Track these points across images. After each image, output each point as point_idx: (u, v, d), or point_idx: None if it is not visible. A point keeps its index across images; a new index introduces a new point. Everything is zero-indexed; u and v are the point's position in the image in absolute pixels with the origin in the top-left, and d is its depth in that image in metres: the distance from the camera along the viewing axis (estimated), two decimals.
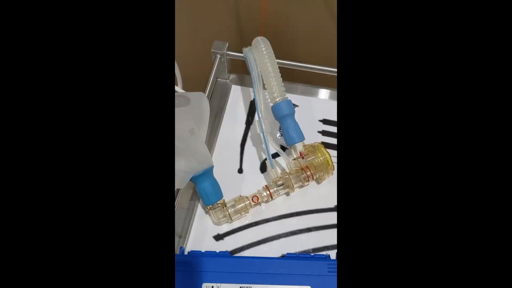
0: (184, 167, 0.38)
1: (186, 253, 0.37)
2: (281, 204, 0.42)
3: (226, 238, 0.40)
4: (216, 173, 0.41)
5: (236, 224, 0.41)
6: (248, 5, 0.62)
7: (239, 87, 0.53)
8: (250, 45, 0.47)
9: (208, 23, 0.69)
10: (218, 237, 0.40)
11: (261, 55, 0.44)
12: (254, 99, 0.45)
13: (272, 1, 0.59)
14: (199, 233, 0.41)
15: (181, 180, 0.38)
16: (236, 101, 0.51)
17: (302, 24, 0.62)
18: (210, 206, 0.40)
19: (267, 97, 0.45)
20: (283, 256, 0.38)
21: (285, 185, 0.41)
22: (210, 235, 0.40)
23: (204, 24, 0.70)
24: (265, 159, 0.46)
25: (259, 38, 0.45)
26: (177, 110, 0.40)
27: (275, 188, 0.41)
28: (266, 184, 0.42)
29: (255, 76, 0.44)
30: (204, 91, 0.47)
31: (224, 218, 0.40)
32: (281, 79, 0.43)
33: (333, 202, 0.43)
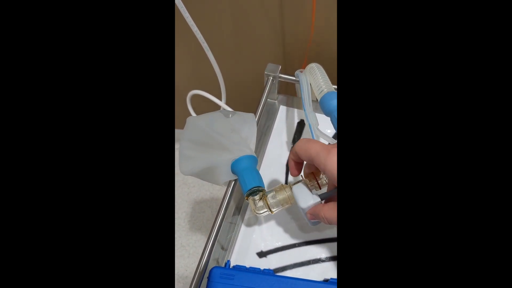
0: (227, 159, 0.38)
1: (231, 266, 0.38)
2: (326, 227, 0.43)
3: (269, 256, 0.41)
4: None
5: (280, 243, 0.42)
6: (294, 29, 0.65)
7: (285, 107, 0.55)
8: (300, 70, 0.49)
9: (253, 44, 0.72)
10: (261, 254, 0.41)
11: (314, 77, 0.45)
12: (301, 99, 0.45)
13: (318, 30, 0.60)
14: (243, 249, 0.41)
15: (225, 173, 0.38)
16: (283, 121, 0.53)
17: None
18: (248, 193, 0.37)
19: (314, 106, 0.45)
20: (326, 281, 0.38)
21: None
22: (253, 251, 0.41)
23: (250, 45, 0.73)
24: None
25: (313, 64, 0.46)
26: (219, 113, 0.42)
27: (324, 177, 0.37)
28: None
29: (304, 89, 0.45)
30: (255, 110, 0.48)
31: (264, 210, 0.38)
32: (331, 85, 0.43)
33: None
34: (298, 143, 0.35)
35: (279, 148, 0.50)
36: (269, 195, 0.38)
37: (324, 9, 0.58)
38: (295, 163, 0.37)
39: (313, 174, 0.38)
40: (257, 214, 0.38)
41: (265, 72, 0.50)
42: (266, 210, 0.38)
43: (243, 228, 0.43)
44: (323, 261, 0.40)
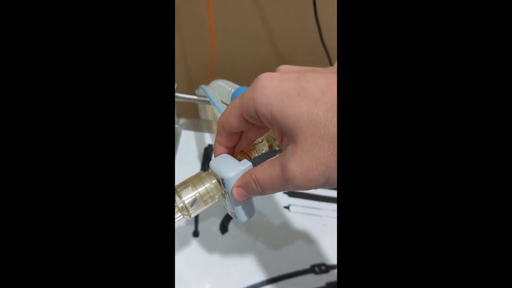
0: None
1: None
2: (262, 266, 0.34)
3: None
4: None
5: None
6: (195, 49, 0.59)
7: (191, 132, 0.47)
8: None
9: None
10: None
11: (220, 88, 0.38)
12: (210, 100, 0.38)
13: (219, 48, 0.55)
14: None
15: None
16: (187, 148, 0.44)
17: (249, 68, 0.59)
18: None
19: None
20: None
21: (266, 139, 0.28)
22: None
23: None
24: (224, 217, 0.38)
25: (218, 80, 0.40)
26: None
27: (257, 144, 0.27)
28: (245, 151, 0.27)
29: (211, 93, 0.38)
30: None
31: (178, 214, 0.25)
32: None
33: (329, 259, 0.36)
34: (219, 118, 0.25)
35: (185, 177, 0.41)
36: (183, 191, 0.25)
37: (222, 29, 0.53)
38: (224, 149, 0.26)
39: (243, 152, 0.27)
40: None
41: None
42: (179, 215, 0.25)
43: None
44: None
